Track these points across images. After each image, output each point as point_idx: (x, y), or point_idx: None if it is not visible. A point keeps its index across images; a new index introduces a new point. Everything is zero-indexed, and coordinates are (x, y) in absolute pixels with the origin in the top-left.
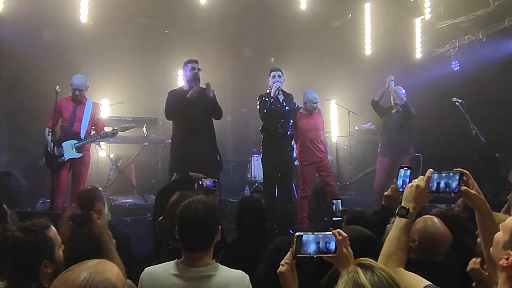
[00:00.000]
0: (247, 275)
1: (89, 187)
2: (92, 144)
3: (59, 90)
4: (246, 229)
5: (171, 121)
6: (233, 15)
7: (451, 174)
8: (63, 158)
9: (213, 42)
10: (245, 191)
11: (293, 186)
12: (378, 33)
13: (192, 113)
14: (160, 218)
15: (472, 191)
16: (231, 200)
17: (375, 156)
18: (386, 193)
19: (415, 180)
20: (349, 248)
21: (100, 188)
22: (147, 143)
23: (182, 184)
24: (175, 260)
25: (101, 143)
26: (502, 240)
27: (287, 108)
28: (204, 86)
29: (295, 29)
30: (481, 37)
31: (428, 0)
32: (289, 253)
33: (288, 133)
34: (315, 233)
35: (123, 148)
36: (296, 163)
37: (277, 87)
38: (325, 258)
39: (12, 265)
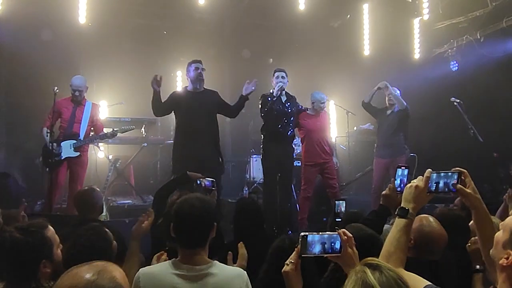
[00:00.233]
0: (245, 272)
1: (86, 188)
2: (91, 145)
3: (57, 91)
4: (243, 230)
5: (170, 122)
6: (232, 16)
7: (450, 173)
8: (60, 156)
9: (212, 43)
10: (244, 191)
11: (292, 187)
12: (377, 34)
13: (194, 114)
14: (160, 220)
15: (468, 190)
16: (229, 200)
17: (373, 156)
18: (384, 192)
19: (414, 181)
20: (354, 248)
21: (97, 189)
22: (145, 144)
23: (180, 184)
24: (171, 260)
25: (100, 144)
26: (502, 240)
27: (289, 109)
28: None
29: (293, 30)
30: (479, 37)
31: (426, 0)
32: (294, 253)
33: (289, 133)
34: (320, 233)
35: (122, 149)
36: (296, 163)
37: (280, 86)
38: (330, 258)
39: (11, 265)
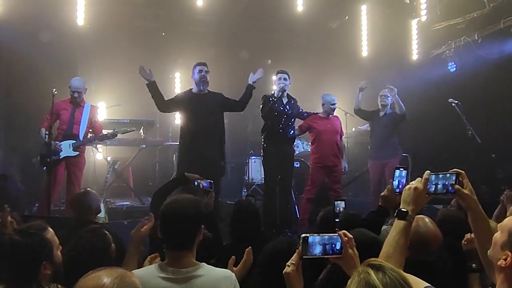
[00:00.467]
0: (233, 274)
1: (82, 190)
2: (89, 147)
3: (56, 92)
4: (240, 233)
5: (169, 124)
6: (230, 17)
7: (448, 175)
8: (59, 156)
9: (210, 44)
10: (243, 193)
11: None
12: (375, 35)
13: (198, 115)
14: (158, 222)
15: (465, 191)
16: (228, 202)
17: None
18: (382, 193)
19: (413, 182)
20: (355, 249)
21: (93, 191)
22: (144, 146)
23: (178, 185)
24: (158, 263)
25: (98, 145)
26: (500, 241)
27: (289, 111)
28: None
29: (292, 31)
30: (476, 38)
31: (424, 1)
32: (295, 254)
33: (289, 135)
34: (321, 234)
35: (121, 151)
36: (296, 165)
37: (281, 87)
38: (331, 259)
39: (11, 268)
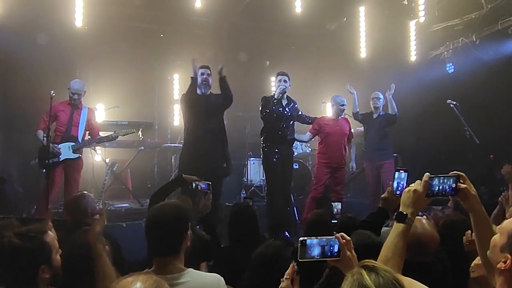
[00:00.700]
0: (222, 278)
1: (78, 193)
2: (88, 149)
3: (54, 94)
4: (238, 236)
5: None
6: (228, 19)
7: (448, 177)
8: (58, 158)
9: (208, 45)
10: (242, 194)
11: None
12: (373, 36)
13: (201, 117)
14: None
15: (471, 192)
16: (227, 204)
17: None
18: (383, 195)
19: (413, 185)
20: (353, 252)
21: (90, 194)
22: (142, 148)
23: (176, 187)
24: (145, 270)
25: (97, 147)
26: (500, 243)
27: (289, 113)
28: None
29: (290, 33)
30: (475, 39)
31: (422, 3)
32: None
33: (288, 137)
34: (319, 237)
35: (119, 153)
36: (295, 166)
37: (282, 89)
38: (329, 262)
39: (10, 271)
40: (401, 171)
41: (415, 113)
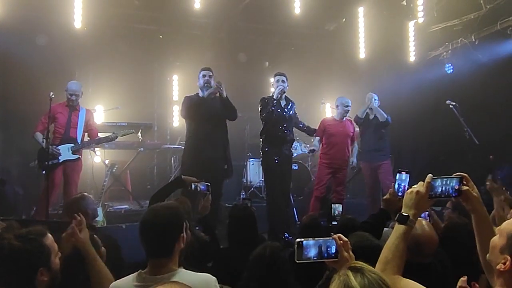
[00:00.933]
0: (214, 278)
1: (77, 195)
2: (87, 150)
3: (53, 96)
4: (236, 237)
5: (166, 127)
6: (228, 20)
7: (451, 178)
8: (58, 160)
9: (207, 46)
10: (241, 195)
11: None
12: (372, 37)
13: (203, 119)
14: None
15: (474, 193)
16: (226, 205)
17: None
18: (384, 197)
19: (415, 186)
20: (351, 252)
21: (90, 195)
22: (142, 149)
23: (175, 188)
24: (139, 271)
25: (96, 149)
26: (499, 245)
27: (288, 113)
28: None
29: (289, 33)
30: (473, 40)
31: (421, 3)
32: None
33: (288, 137)
34: (316, 238)
35: (118, 154)
36: (294, 167)
37: (280, 90)
38: (327, 263)
39: (8, 273)
40: (402, 172)
41: (414, 113)
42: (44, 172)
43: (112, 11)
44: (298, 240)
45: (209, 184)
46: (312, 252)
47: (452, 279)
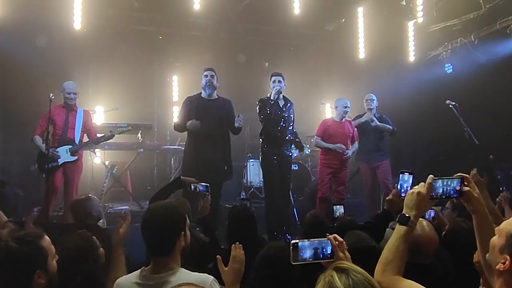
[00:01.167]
0: (212, 277)
1: (83, 196)
2: (87, 151)
3: (53, 97)
4: (236, 238)
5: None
6: (227, 20)
7: (452, 179)
8: (57, 162)
9: (207, 47)
10: (242, 196)
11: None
12: (372, 37)
13: (205, 120)
14: None
15: (475, 194)
16: (226, 206)
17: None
18: (387, 198)
19: (416, 187)
20: (346, 253)
21: (95, 197)
22: (142, 150)
23: (174, 189)
24: (141, 268)
25: (96, 150)
26: (498, 245)
27: (286, 113)
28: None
29: (289, 34)
30: (473, 39)
31: (421, 3)
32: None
33: (287, 137)
34: (311, 239)
35: (118, 155)
36: (294, 167)
37: (277, 90)
38: (323, 263)
39: (5, 275)
40: (405, 173)
41: (414, 113)
42: (44, 175)
43: (112, 12)
44: (293, 241)
45: (208, 184)
46: (307, 253)
47: (453, 279)
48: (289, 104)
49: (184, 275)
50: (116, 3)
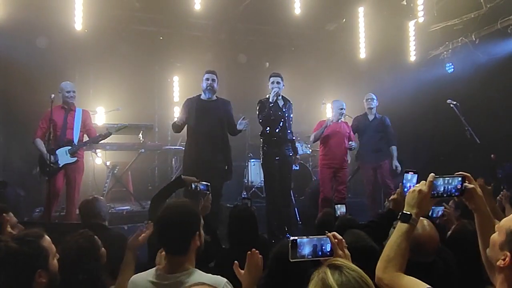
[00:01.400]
0: (225, 280)
1: (90, 197)
2: (88, 152)
3: (54, 98)
4: (237, 237)
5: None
6: (228, 21)
7: (453, 178)
8: (58, 165)
9: (208, 48)
10: (243, 196)
11: (291, 191)
12: (372, 37)
13: (204, 121)
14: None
15: (477, 193)
16: (228, 205)
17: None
18: (392, 197)
19: (418, 185)
20: (346, 251)
21: (102, 198)
22: (143, 150)
23: (175, 188)
24: (156, 267)
25: (97, 150)
26: (499, 241)
27: (286, 113)
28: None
29: (289, 34)
30: (474, 39)
31: (421, 3)
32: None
33: (287, 137)
34: (309, 236)
35: (120, 155)
36: (295, 167)
37: (275, 92)
38: (322, 261)
39: (6, 275)
40: (409, 172)
41: (415, 113)
42: (46, 178)
43: (112, 13)
44: (292, 238)
45: (209, 184)
46: (306, 250)
47: (456, 278)
48: (288, 104)
49: (199, 275)
50: (117, 4)
